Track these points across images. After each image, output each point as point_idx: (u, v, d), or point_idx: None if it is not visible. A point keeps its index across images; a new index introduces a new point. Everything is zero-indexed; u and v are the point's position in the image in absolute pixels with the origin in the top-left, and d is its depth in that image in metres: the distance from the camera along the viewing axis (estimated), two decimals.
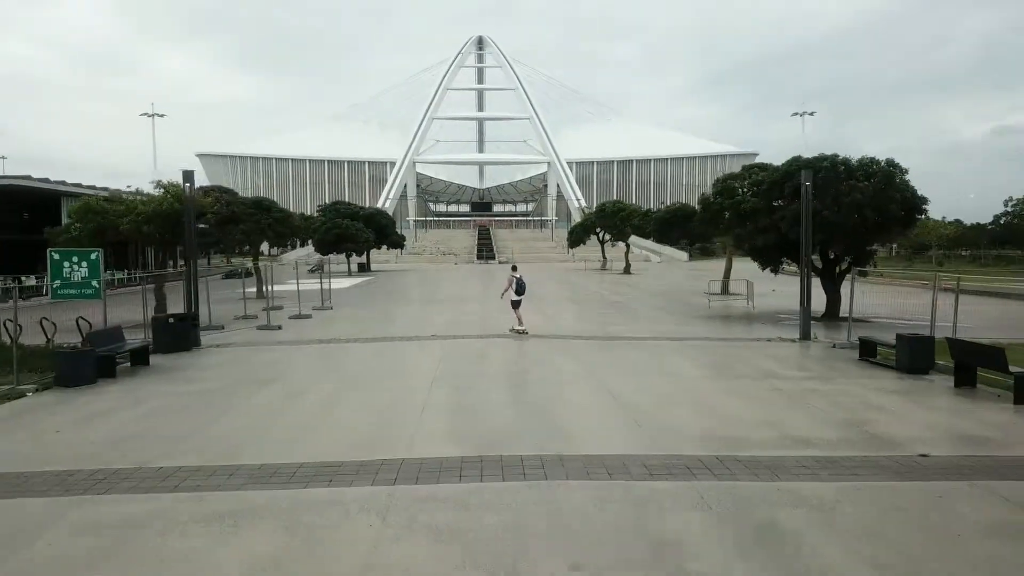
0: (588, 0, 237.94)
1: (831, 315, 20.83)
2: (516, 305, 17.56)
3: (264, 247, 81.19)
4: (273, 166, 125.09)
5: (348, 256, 53.08)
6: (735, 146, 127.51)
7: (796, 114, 72.28)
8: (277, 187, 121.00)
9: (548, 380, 11.43)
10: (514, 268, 19.14)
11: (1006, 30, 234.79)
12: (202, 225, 28.72)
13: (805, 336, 16.41)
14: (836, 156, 19.62)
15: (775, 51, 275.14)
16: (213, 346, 15.80)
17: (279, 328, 18.83)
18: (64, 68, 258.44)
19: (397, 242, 61.00)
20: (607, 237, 57.07)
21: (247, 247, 31.05)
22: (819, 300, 21.37)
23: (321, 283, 25.00)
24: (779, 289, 29.45)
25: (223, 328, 18.95)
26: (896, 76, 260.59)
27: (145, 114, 69.31)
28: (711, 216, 21.14)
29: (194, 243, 16.06)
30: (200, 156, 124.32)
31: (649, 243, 72.85)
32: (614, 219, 52.94)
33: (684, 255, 75.14)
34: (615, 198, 78.05)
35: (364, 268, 56.65)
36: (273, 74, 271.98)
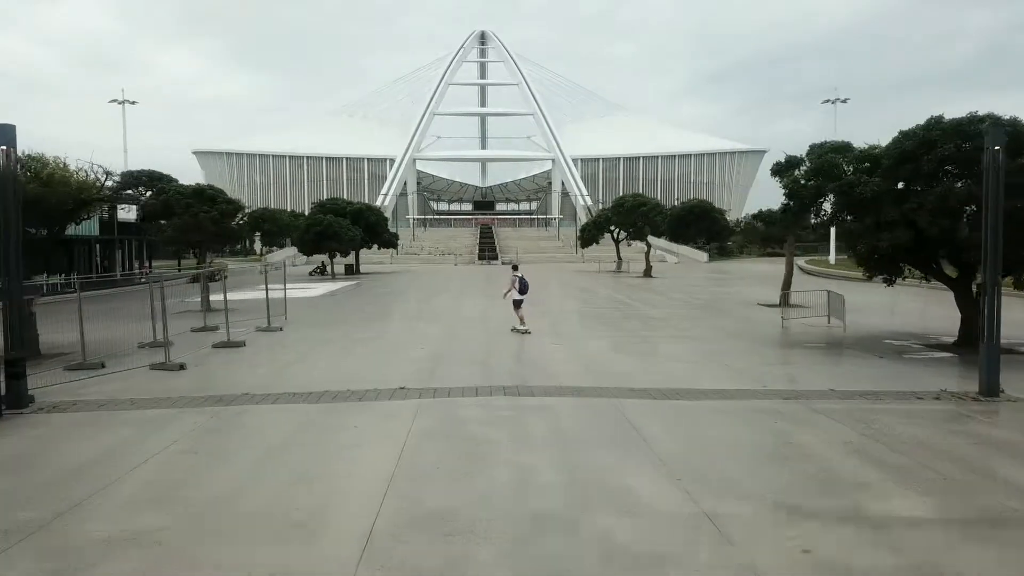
0: None
1: (967, 343, 14.80)
2: (518, 305, 17.41)
3: (257, 246, 75.31)
4: (270, 163, 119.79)
5: (332, 257, 47.05)
6: (744, 143, 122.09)
7: (827, 101, 66.17)
8: (275, 185, 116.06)
9: (617, 547, 5.29)
10: (515, 268, 19.05)
11: (1008, 29, 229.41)
12: (132, 218, 22.85)
13: (993, 391, 10.32)
14: (994, 116, 13.53)
15: (773, 50, 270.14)
16: (46, 408, 9.79)
17: (181, 368, 12.78)
18: (62, 66, 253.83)
19: (389, 241, 54.76)
20: (623, 236, 51.13)
21: (187, 247, 24.89)
22: (937, 316, 15.38)
23: (268, 294, 18.85)
24: (849, 299, 23.31)
25: (103, 366, 12.94)
26: (896, 75, 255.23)
27: (115, 100, 63.12)
28: (803, 206, 14.98)
29: (18, 241, 10.00)
30: (197, 153, 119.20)
31: (664, 242, 66.97)
32: (633, 215, 46.93)
33: (703, 255, 69.11)
34: (624, 195, 72.16)
35: (351, 270, 50.54)
36: (272, 71, 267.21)
